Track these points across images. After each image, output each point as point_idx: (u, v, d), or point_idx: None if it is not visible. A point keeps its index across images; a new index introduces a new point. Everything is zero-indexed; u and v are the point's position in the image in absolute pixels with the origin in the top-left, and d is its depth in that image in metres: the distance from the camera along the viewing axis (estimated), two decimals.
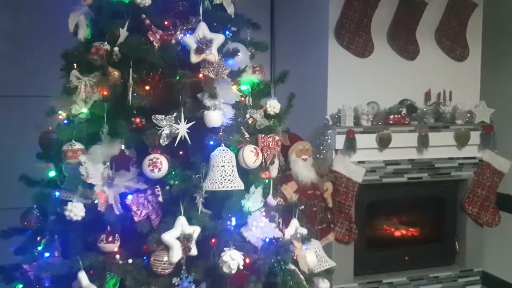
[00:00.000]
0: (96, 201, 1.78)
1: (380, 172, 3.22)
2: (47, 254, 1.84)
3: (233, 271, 1.77)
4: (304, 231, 2.22)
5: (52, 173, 2.02)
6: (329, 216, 3.11)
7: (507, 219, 3.45)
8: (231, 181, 1.83)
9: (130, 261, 1.77)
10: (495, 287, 3.52)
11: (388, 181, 3.24)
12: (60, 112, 1.99)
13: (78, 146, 1.86)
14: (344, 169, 3.14)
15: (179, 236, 1.76)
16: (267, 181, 2.21)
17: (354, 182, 3.14)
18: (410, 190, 3.38)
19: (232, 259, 1.76)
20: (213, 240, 1.86)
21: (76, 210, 1.74)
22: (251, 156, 1.92)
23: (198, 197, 1.80)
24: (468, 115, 3.34)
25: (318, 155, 3.17)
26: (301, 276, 2.00)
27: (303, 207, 2.44)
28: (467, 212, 3.43)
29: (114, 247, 1.78)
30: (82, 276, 1.71)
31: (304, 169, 2.97)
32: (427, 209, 3.57)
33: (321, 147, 3.20)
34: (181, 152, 1.89)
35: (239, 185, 1.86)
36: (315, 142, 3.19)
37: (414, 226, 3.60)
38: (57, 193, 1.90)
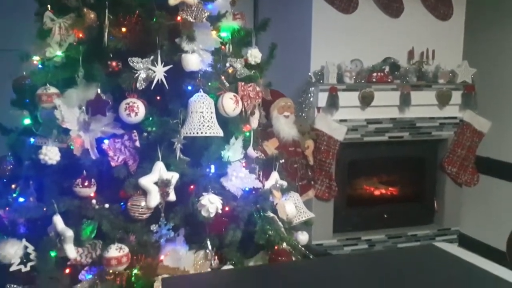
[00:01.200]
0: (71, 146, 1.75)
1: (362, 130, 3.22)
2: (21, 200, 1.81)
3: (212, 215, 1.76)
4: (284, 183, 2.22)
5: (27, 121, 1.97)
6: (309, 173, 3.12)
7: (486, 181, 3.49)
8: (210, 127, 1.81)
9: (106, 206, 1.75)
10: (470, 247, 3.59)
11: (369, 139, 3.25)
12: (34, 57, 1.93)
13: (53, 90, 1.82)
14: (326, 127, 3.13)
15: (156, 181, 1.74)
16: (247, 133, 2.19)
17: (336, 140, 3.13)
18: (391, 149, 3.40)
19: (211, 203, 1.75)
20: (191, 187, 1.85)
21: (50, 154, 1.70)
22: (230, 103, 1.90)
23: (176, 143, 1.78)
24: (450, 74, 3.33)
25: (300, 113, 3.16)
26: (280, 224, 2.00)
27: (283, 160, 2.44)
28: (446, 172, 3.46)
29: (90, 191, 1.76)
30: (58, 220, 1.69)
31: (285, 126, 2.95)
32: (407, 169, 3.59)
33: (304, 105, 3.18)
34: (158, 98, 1.85)
35: (218, 131, 1.84)
36: (297, 100, 3.17)
37: (394, 185, 3.63)
38: (32, 140, 1.86)
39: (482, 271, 0.65)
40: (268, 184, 2.16)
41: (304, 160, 3.08)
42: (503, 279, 0.62)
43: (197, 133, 1.78)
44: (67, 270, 1.81)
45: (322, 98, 3.08)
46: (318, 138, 3.11)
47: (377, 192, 3.60)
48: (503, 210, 3.38)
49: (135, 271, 1.79)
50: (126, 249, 1.72)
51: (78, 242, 1.77)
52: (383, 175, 3.63)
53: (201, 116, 1.79)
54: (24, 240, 1.73)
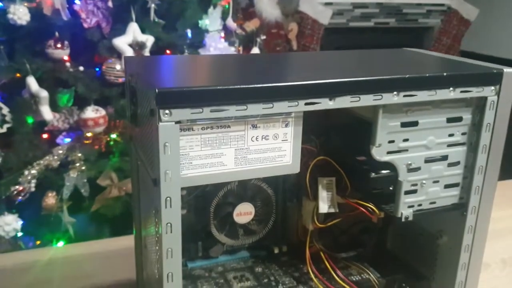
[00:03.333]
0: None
1: (348, 15, 3.14)
2: None
3: None
4: None
5: None
6: None
7: None
8: None
9: (81, 68, 1.72)
10: None
11: (354, 25, 3.18)
12: None
13: None
14: (311, 9, 3.04)
15: (131, 43, 1.70)
16: (227, 6, 2.12)
17: (320, 24, 3.06)
18: (376, 36, 3.34)
19: None
20: (168, 52, 1.81)
21: (19, 13, 1.63)
22: None
23: (150, 2, 1.71)
24: None
25: None
26: None
27: (264, 37, 2.39)
28: None
29: (64, 54, 1.71)
30: (31, 81, 1.66)
31: (268, 6, 2.85)
32: None
33: None
34: None
35: None
36: None
37: None
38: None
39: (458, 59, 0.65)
40: None
41: (287, 44, 3.02)
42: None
43: None
44: (45, 135, 1.81)
45: None
46: (302, 22, 3.03)
47: None
48: None
49: (113, 135, 1.80)
50: (102, 111, 1.72)
51: (55, 108, 1.76)
52: None
53: None
54: None
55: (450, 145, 0.64)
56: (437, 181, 0.64)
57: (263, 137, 0.53)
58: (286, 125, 0.54)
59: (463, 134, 0.64)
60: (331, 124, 0.68)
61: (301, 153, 0.68)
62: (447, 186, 0.65)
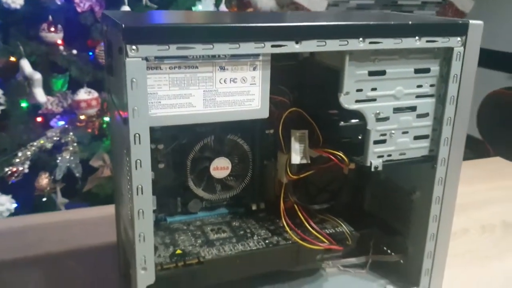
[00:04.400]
0: None
1: (343, 6, 3.16)
2: None
3: None
4: None
5: None
6: None
7: None
8: None
9: (74, 52, 1.74)
10: None
11: None
12: None
13: None
14: (306, 0, 3.05)
15: None
16: None
17: None
18: None
19: None
20: None
21: None
22: None
23: None
24: None
25: None
26: None
27: None
28: None
29: (57, 37, 1.74)
30: (25, 63, 1.68)
31: None
32: None
33: None
34: None
35: None
36: None
37: None
38: None
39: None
40: None
41: None
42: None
43: None
44: (39, 119, 1.83)
45: None
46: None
47: None
48: None
49: (106, 119, 1.82)
50: (95, 93, 1.74)
51: (49, 92, 1.78)
52: None
53: None
54: None
55: (419, 96, 0.65)
56: (406, 132, 0.66)
57: (232, 79, 0.55)
58: (254, 69, 0.56)
59: (431, 85, 0.66)
60: (305, 78, 0.70)
61: (274, 106, 0.70)
62: (416, 138, 0.67)
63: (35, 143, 1.69)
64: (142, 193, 0.54)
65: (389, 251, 0.80)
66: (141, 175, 0.53)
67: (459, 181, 0.71)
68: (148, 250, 0.56)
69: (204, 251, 0.66)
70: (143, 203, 0.54)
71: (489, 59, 3.33)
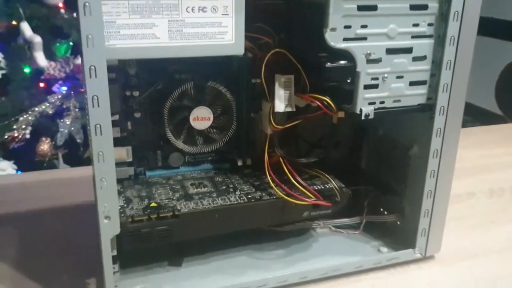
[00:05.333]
0: None
1: None
2: None
3: None
4: None
5: None
6: None
7: None
8: None
9: (75, 15, 1.69)
10: None
11: None
12: None
13: None
14: None
15: None
16: None
17: None
18: None
19: None
20: None
21: None
22: None
23: None
24: None
25: None
26: None
27: None
28: None
29: (58, 0, 1.69)
30: (25, 26, 1.65)
31: None
32: None
33: None
34: None
35: None
36: None
37: None
38: None
39: None
40: None
41: None
42: None
43: None
44: (42, 84, 1.80)
45: None
46: None
47: None
48: None
49: None
50: None
51: (52, 58, 1.75)
52: None
53: None
54: None
55: (415, 36, 0.59)
56: (401, 77, 0.60)
57: (200, 8, 0.50)
58: None
59: (429, 24, 0.59)
60: (292, 19, 0.64)
61: (259, 49, 0.64)
62: (412, 83, 0.61)
63: (36, 109, 1.66)
64: (101, 133, 0.49)
65: (384, 211, 0.75)
66: (99, 113, 0.48)
67: (459, 133, 0.64)
68: (110, 198, 0.52)
69: (181, 205, 0.62)
70: (103, 144, 0.49)
71: (507, 30, 3.20)
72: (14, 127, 1.64)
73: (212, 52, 0.52)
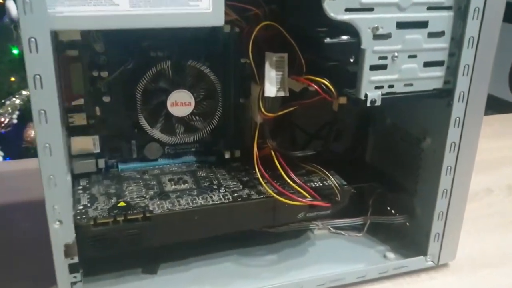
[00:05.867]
0: None
1: None
2: None
3: None
4: None
5: None
6: None
7: None
8: None
9: None
10: None
11: None
12: None
13: None
14: None
15: None
16: None
17: None
18: None
19: None
20: None
21: None
22: None
23: None
24: None
25: None
26: None
27: None
28: None
29: None
30: (11, 4, 1.55)
31: None
32: None
33: None
34: None
35: None
36: None
37: None
38: None
39: None
40: None
41: None
42: None
43: None
44: None
45: None
46: None
47: None
48: None
49: None
50: None
51: None
52: None
53: None
54: None
55: (431, 7, 0.49)
56: (414, 56, 0.50)
57: None
58: None
59: None
60: None
61: (246, 22, 0.55)
62: (427, 64, 0.51)
63: (24, 92, 1.57)
64: (46, 121, 0.40)
65: (392, 211, 0.66)
66: (43, 96, 0.39)
67: (481, 124, 0.55)
68: (62, 198, 0.43)
69: (154, 205, 0.53)
70: (49, 134, 0.40)
71: None
72: (0, 111, 1.55)
73: (184, 23, 0.43)
